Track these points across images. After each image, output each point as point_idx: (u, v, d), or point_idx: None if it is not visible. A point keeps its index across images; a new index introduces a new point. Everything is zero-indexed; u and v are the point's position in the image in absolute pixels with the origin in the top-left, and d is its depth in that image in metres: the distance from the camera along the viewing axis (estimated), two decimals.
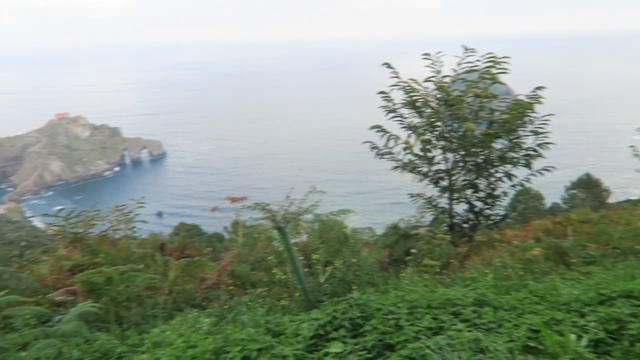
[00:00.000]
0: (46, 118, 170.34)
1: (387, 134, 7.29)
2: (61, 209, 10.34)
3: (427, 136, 7.24)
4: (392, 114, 7.54)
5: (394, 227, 8.74)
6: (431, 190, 7.84)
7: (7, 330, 5.13)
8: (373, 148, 7.17)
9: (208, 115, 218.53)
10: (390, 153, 7.42)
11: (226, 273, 7.22)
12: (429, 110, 7.34)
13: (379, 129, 7.25)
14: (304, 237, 7.73)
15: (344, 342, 3.96)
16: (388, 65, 7.35)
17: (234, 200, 7.06)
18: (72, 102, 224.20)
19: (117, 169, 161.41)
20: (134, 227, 10.85)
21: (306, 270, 6.25)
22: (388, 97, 7.44)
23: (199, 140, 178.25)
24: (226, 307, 5.70)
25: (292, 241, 6.46)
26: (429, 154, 7.34)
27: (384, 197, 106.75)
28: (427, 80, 7.37)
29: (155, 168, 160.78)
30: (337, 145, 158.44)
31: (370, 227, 8.96)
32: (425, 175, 7.47)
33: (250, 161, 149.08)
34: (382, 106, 7.56)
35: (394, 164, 7.50)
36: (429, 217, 8.44)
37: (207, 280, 7.36)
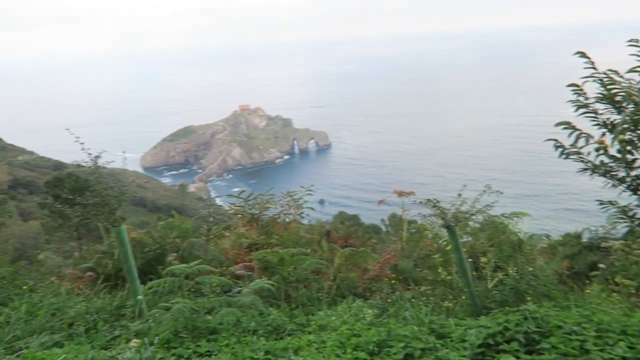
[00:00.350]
0: (231, 109, 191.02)
1: (577, 132, 6.44)
2: (241, 192, 11.41)
3: (628, 136, 6.23)
4: (583, 110, 6.65)
5: (576, 237, 7.81)
6: (627, 199, 6.75)
7: (197, 295, 5.84)
8: (558, 147, 6.41)
9: (373, 108, 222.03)
10: (578, 153, 6.55)
11: (388, 266, 7.22)
12: (631, 106, 6.30)
13: (567, 125, 6.45)
14: (470, 238, 7.35)
15: (517, 357, 3.66)
16: (582, 54, 6.48)
17: (401, 194, 6.99)
18: (253, 95, 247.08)
19: (286, 157, 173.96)
20: (302, 213, 11.52)
21: (473, 273, 5.93)
22: (580, 90, 6.57)
23: (362, 133, 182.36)
24: (389, 300, 5.69)
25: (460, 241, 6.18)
26: (629, 157, 6.31)
27: (556, 202, 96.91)
28: (631, 71, 6.32)
29: (320, 158, 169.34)
30: (505, 142, 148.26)
31: (547, 233, 8.12)
32: (622, 180, 6.44)
33: (411, 156, 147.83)
34: (571, 100, 6.71)
35: (582, 165, 6.62)
36: (621, 228, 7.34)
37: (370, 271, 7.45)
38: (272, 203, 11.52)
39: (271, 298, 6.40)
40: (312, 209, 11.58)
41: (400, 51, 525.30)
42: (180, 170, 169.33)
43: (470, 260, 5.75)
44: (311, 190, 11.89)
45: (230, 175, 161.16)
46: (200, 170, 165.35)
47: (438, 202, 5.10)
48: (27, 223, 52.79)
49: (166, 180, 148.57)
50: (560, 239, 7.18)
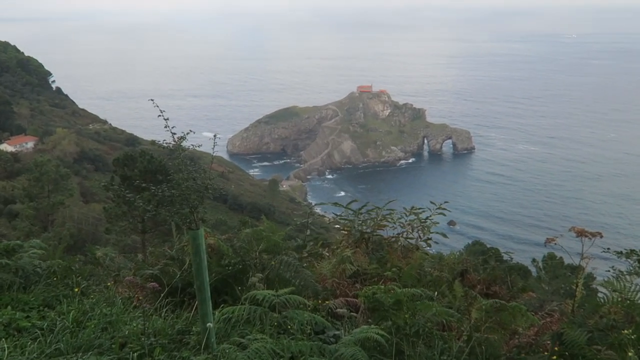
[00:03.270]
0: (347, 89, 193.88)
1: None
2: (352, 201, 11.35)
3: None
4: None
5: None
6: None
7: (281, 331, 5.79)
8: None
9: (540, 107, 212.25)
10: None
11: (549, 334, 6.66)
12: None
13: None
14: None
15: None
16: None
17: (582, 233, 6.39)
18: (379, 74, 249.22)
19: (412, 159, 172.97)
20: (429, 239, 11.17)
21: None
22: None
23: (518, 140, 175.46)
24: None
25: None
26: None
27: None
28: None
29: (456, 165, 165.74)
30: None
31: None
32: None
33: (583, 180, 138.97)
34: None
35: None
36: None
37: (520, 335, 6.95)
38: (389, 220, 11.32)
39: (377, 351, 6.19)
40: (444, 235, 11.20)
41: (612, 29, 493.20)
42: (274, 162, 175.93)
43: None
44: (445, 209, 11.55)
45: (335, 175, 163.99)
46: (298, 165, 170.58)
47: None
48: (88, 205, 58.18)
49: (254, 172, 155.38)
50: None
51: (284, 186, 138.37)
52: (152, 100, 5.67)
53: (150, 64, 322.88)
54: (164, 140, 5.50)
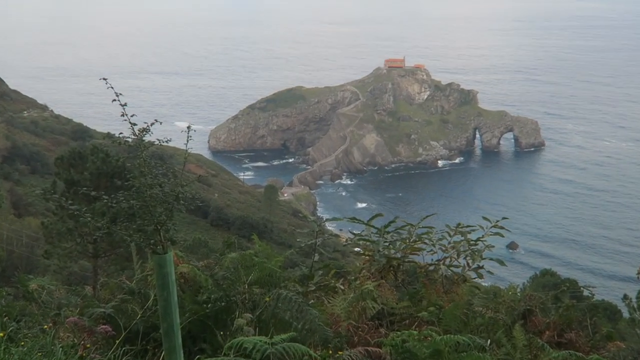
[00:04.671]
0: (371, 64, 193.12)
1: None
2: (375, 215, 11.33)
3: None
4: None
5: None
6: None
7: None
8: None
9: (632, 89, 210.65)
10: None
11: None
12: None
13: None
14: None
15: None
16: None
17: None
18: (414, 43, 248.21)
19: (458, 159, 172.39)
20: (481, 267, 11.15)
21: None
22: None
23: (604, 135, 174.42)
24: None
25: None
26: None
27: None
28: None
29: (518, 168, 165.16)
30: None
31: None
32: None
33: None
34: None
35: None
36: None
37: None
38: (427, 242, 11.33)
39: None
40: (502, 262, 11.19)
41: None
42: (272, 162, 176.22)
43: None
44: (502, 228, 11.54)
45: (354, 181, 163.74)
46: (304, 166, 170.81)
47: None
48: (22, 220, 58.30)
49: (246, 176, 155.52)
50: None
51: (285, 195, 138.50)
52: (105, 79, 5.66)
53: (104, 30, 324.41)
54: (121, 133, 5.48)
